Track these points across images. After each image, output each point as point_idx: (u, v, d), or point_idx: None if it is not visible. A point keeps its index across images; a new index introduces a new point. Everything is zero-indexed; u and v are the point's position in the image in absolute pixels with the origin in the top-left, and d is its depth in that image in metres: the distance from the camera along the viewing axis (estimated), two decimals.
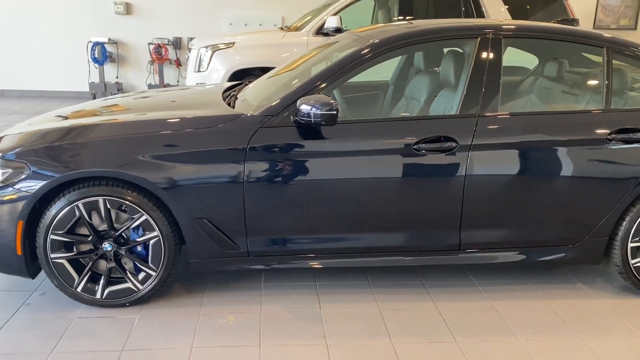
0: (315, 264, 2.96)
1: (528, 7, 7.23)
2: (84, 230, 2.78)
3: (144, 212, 2.73)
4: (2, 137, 2.93)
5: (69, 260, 2.78)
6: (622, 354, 2.61)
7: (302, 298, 3.03)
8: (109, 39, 9.25)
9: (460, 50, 3.19)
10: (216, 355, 2.52)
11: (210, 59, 6.19)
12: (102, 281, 2.82)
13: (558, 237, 3.03)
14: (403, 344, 2.63)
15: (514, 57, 3.48)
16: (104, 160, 2.69)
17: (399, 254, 2.99)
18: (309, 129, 2.77)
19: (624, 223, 3.01)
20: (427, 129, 2.85)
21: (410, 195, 2.87)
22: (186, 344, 2.60)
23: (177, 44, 9.42)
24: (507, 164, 2.89)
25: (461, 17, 6.52)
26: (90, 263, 2.80)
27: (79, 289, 2.82)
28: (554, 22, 6.40)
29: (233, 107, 3.07)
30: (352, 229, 2.90)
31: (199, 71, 6.30)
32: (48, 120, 3.09)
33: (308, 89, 2.83)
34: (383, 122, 3.08)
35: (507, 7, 6.62)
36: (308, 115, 2.66)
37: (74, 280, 2.80)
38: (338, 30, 5.90)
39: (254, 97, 3.12)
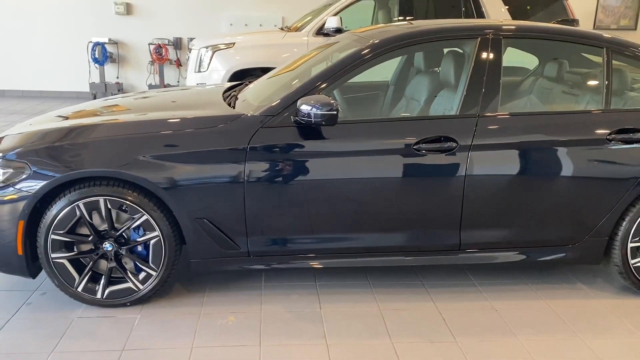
0: (316, 264, 2.96)
1: (528, 7, 7.24)
2: (84, 230, 2.78)
3: (144, 212, 2.73)
4: (3, 137, 2.94)
5: (70, 260, 2.79)
6: (622, 354, 2.61)
7: (302, 298, 3.03)
8: (110, 39, 9.26)
9: (460, 51, 3.19)
10: (216, 355, 2.53)
11: (210, 59, 6.19)
12: (102, 281, 2.83)
13: (558, 237, 3.03)
14: (403, 344, 2.63)
15: (514, 57, 3.49)
16: (104, 160, 2.69)
17: (399, 254, 2.99)
18: (309, 129, 2.78)
19: (624, 223, 3.01)
20: (427, 129, 2.85)
21: (411, 196, 2.87)
22: (186, 343, 2.60)
23: (177, 44, 9.42)
24: (507, 164, 2.89)
25: (461, 18, 6.53)
26: (91, 263, 2.80)
27: (79, 289, 2.82)
28: (554, 23, 6.40)
29: (233, 107, 3.07)
30: (352, 229, 2.90)
31: (199, 71, 6.30)
32: (49, 120, 3.09)
33: (308, 89, 2.84)
34: (383, 122, 3.09)
35: (507, 7, 6.62)
36: (308, 115, 2.67)
37: (75, 280, 2.81)
38: (338, 31, 5.90)
39: (255, 98, 3.13)
